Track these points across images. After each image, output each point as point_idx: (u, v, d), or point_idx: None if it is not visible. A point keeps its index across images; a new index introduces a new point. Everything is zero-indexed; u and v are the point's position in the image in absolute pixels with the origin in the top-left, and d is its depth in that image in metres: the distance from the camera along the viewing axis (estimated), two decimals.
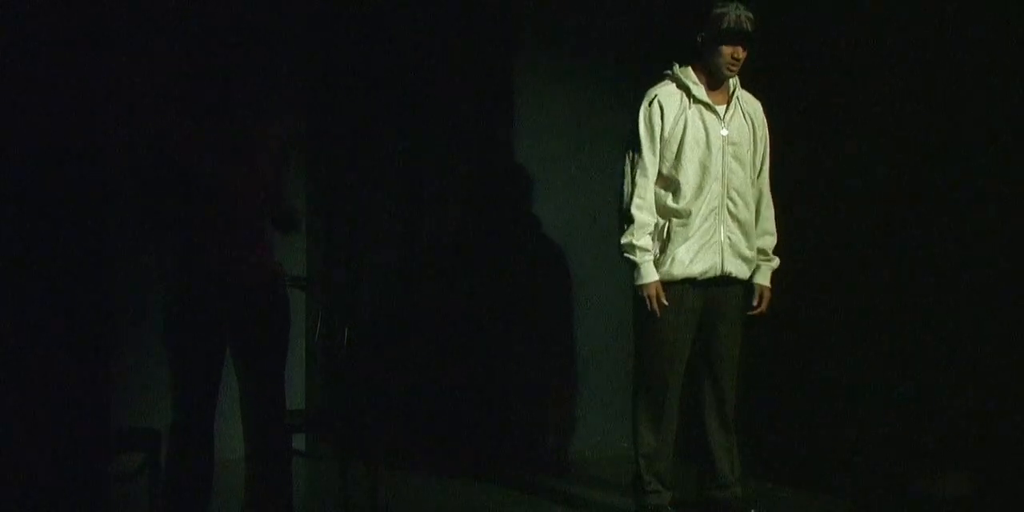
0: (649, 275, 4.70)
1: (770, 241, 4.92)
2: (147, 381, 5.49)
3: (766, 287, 4.88)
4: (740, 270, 4.81)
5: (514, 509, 5.27)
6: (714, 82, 4.78)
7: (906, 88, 5.31)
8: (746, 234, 4.81)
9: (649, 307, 4.70)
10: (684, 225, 4.72)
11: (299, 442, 5.51)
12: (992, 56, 5.02)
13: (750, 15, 4.68)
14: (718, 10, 4.68)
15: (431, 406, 6.10)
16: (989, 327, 4.99)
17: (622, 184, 4.77)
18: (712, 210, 4.73)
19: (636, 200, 4.72)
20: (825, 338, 5.59)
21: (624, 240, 4.74)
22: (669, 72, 4.81)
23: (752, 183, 4.84)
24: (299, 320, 4.78)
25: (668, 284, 4.72)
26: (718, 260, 4.74)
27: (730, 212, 4.77)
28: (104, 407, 5.59)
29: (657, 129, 4.73)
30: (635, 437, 4.89)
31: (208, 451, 4.02)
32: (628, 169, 4.77)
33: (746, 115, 4.85)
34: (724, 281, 4.79)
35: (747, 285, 4.88)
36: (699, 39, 4.72)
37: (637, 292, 4.75)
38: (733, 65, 4.72)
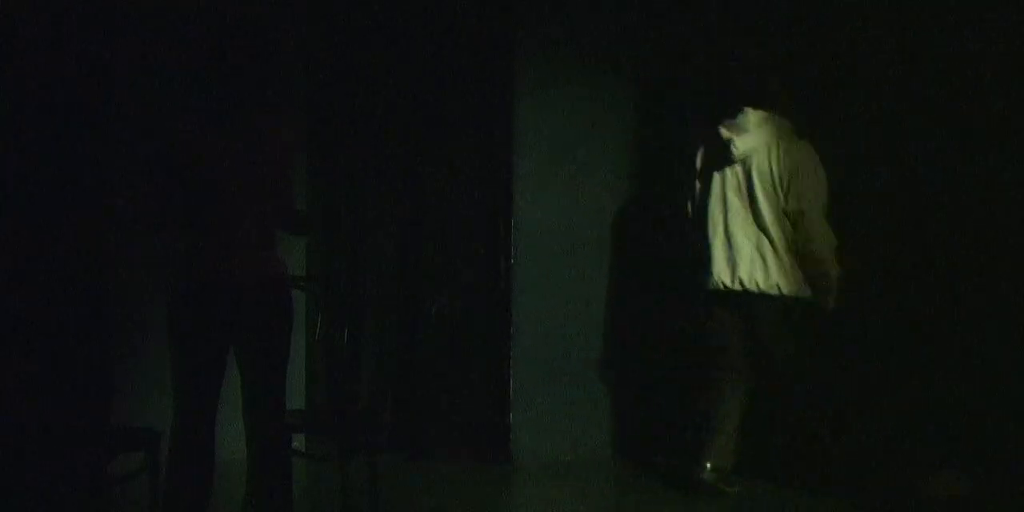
0: None
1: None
2: (147, 381, 5.49)
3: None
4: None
5: (514, 509, 5.27)
6: None
7: (907, 87, 5.31)
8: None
9: None
10: None
11: (299, 442, 5.51)
12: (991, 55, 5.03)
13: None
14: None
15: (431, 406, 6.10)
16: (989, 327, 5.00)
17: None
18: None
19: None
20: (825, 338, 5.59)
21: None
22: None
23: None
24: (299, 320, 4.78)
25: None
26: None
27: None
28: (104, 407, 5.60)
29: None
30: (704, 439, 5.19)
31: (209, 452, 4.02)
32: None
33: None
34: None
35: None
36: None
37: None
38: None
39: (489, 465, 5.92)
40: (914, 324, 5.24)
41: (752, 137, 5.19)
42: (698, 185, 5.41)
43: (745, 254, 5.19)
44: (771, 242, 5.17)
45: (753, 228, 5.21)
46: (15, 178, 5.53)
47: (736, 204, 5.25)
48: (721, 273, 5.25)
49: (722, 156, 5.27)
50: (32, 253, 5.55)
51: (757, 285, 5.17)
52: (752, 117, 5.21)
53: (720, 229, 5.27)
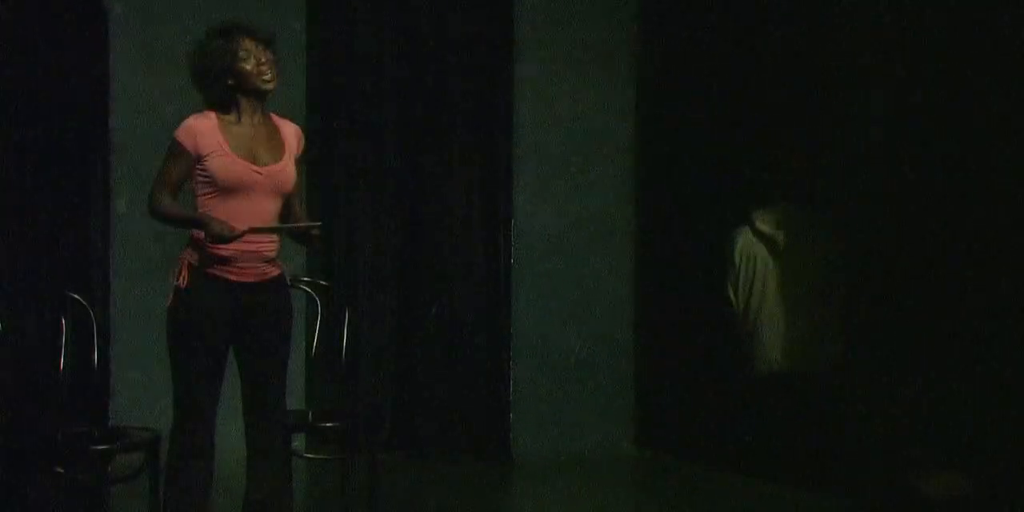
0: None
1: None
2: (147, 381, 5.49)
3: None
4: None
5: (514, 509, 5.27)
6: None
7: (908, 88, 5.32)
8: None
9: None
10: None
11: (299, 442, 5.51)
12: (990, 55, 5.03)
13: None
14: None
15: (431, 406, 6.09)
16: (989, 327, 5.00)
17: None
18: None
19: None
20: (824, 339, 5.60)
21: None
22: None
23: None
24: (299, 320, 4.78)
25: None
26: None
27: None
28: (104, 407, 5.61)
29: None
30: None
31: (209, 452, 4.01)
32: None
33: None
34: None
35: None
36: None
37: None
38: None
39: (489, 465, 5.92)
40: (914, 324, 5.24)
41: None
42: (742, 274, 5.65)
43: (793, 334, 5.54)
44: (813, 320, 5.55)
45: (795, 311, 5.56)
46: (17, 176, 5.54)
47: (778, 290, 5.54)
48: (774, 353, 5.57)
49: (766, 246, 5.58)
50: (32, 253, 5.56)
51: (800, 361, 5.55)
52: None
53: (771, 313, 5.58)
